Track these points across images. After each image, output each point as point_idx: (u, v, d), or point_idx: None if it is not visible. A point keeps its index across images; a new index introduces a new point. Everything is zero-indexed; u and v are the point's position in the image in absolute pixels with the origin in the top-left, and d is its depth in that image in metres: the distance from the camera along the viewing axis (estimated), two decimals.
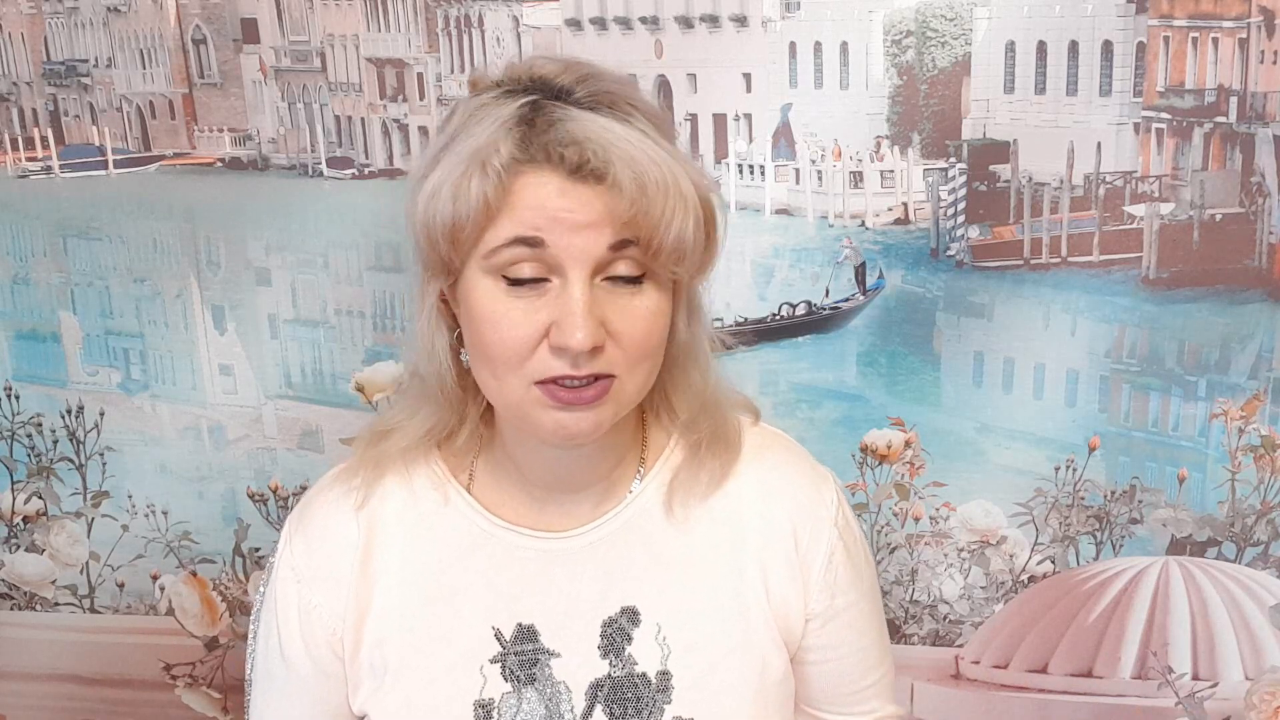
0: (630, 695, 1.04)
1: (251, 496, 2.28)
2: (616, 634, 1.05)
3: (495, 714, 1.04)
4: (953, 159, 2.03)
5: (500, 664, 1.05)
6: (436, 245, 0.94)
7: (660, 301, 0.96)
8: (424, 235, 0.95)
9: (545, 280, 0.92)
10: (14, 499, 2.32)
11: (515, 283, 0.93)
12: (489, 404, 1.03)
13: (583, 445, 1.00)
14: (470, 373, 1.00)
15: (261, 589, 1.15)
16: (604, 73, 0.96)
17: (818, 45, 2.05)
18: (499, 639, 1.05)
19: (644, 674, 1.05)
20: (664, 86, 2.12)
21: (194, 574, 2.32)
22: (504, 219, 0.91)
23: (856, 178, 2.09)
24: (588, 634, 1.05)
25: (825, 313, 2.13)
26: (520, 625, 1.05)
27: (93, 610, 2.36)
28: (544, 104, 0.92)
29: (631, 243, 0.92)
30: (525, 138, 0.91)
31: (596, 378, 0.93)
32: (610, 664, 1.05)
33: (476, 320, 0.95)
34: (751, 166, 2.13)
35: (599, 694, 1.04)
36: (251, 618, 1.18)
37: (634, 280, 0.94)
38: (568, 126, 0.90)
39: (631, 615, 1.05)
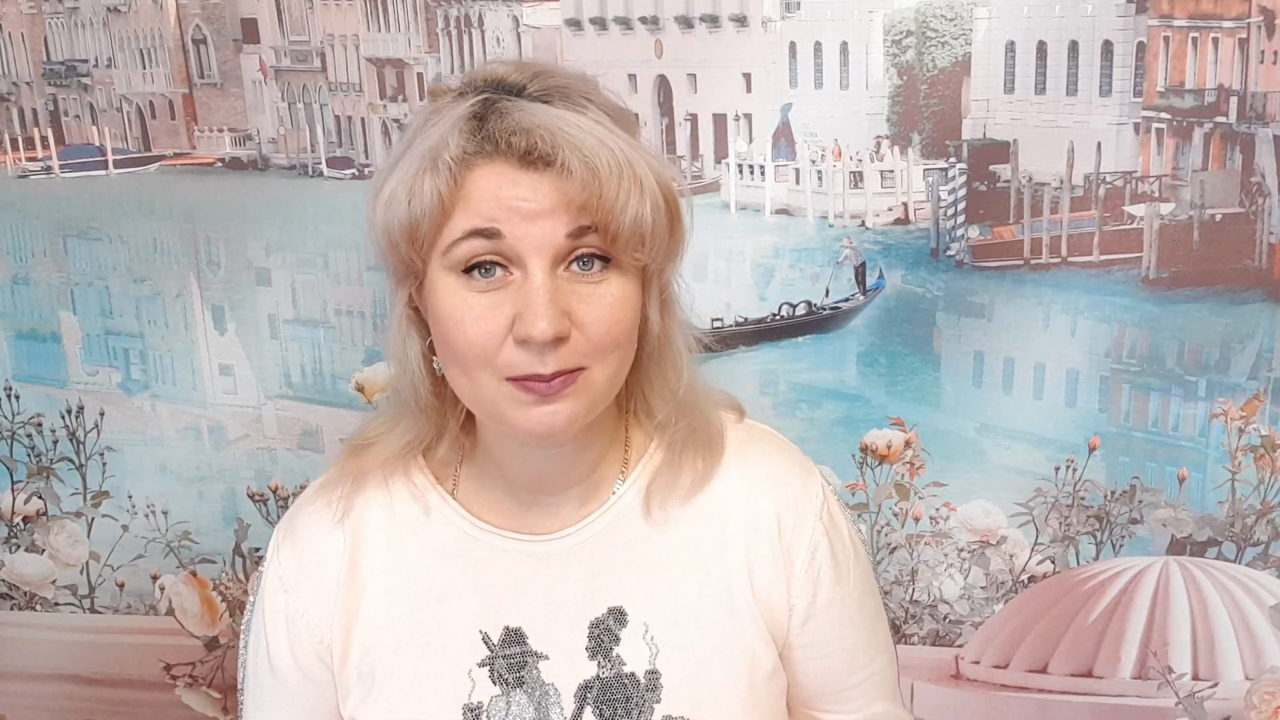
0: (620, 696, 1.04)
1: (251, 496, 2.28)
2: (604, 635, 1.05)
3: (485, 717, 1.04)
4: (953, 159, 2.03)
5: (488, 668, 1.05)
6: (398, 248, 0.94)
7: (626, 289, 0.95)
8: (385, 240, 0.95)
9: (507, 273, 0.92)
10: (14, 499, 2.33)
11: (470, 272, 0.92)
12: (469, 413, 1.03)
13: (561, 442, 1.00)
14: (446, 383, 1.00)
15: (251, 599, 1.16)
16: (558, 70, 0.96)
17: (818, 45, 2.05)
18: (486, 643, 1.05)
19: (632, 674, 1.05)
20: (664, 86, 2.12)
21: (194, 574, 2.32)
22: (459, 213, 0.92)
23: (856, 178, 2.09)
24: (575, 636, 1.05)
25: (825, 313, 2.13)
26: (507, 629, 1.05)
27: (93, 610, 2.37)
28: (495, 99, 0.93)
29: (590, 229, 0.91)
30: (475, 131, 0.91)
31: (561, 374, 0.92)
32: (598, 665, 1.05)
33: (442, 320, 0.95)
34: (751, 166, 2.13)
35: (588, 695, 1.04)
36: (242, 627, 1.18)
37: (601, 264, 0.93)
38: (516, 116, 0.91)
39: (618, 616, 1.05)
